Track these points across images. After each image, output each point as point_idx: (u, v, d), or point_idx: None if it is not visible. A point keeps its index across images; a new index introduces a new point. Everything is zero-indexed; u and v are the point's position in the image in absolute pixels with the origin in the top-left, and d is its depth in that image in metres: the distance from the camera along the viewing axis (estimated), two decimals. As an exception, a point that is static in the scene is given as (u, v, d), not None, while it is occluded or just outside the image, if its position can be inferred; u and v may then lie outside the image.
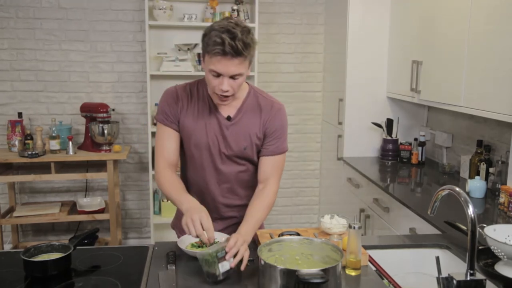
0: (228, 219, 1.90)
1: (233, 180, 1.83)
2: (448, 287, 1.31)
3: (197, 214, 1.53)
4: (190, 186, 1.87)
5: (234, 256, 1.46)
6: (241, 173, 1.84)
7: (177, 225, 1.97)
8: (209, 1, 3.79)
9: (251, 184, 1.85)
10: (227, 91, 1.61)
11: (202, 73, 3.78)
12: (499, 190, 2.37)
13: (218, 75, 1.59)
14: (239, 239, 1.50)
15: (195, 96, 1.78)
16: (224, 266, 1.42)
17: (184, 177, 1.90)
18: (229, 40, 1.52)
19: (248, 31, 1.58)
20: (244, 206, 1.79)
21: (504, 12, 2.20)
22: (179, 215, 1.99)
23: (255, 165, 1.84)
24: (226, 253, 1.43)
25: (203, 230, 1.51)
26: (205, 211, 1.57)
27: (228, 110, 1.76)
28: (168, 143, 1.77)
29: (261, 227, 1.98)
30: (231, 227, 1.88)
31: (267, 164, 1.80)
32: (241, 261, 1.47)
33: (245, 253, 1.48)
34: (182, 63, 3.77)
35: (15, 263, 1.57)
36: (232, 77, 1.59)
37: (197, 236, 1.51)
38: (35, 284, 1.47)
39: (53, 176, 3.48)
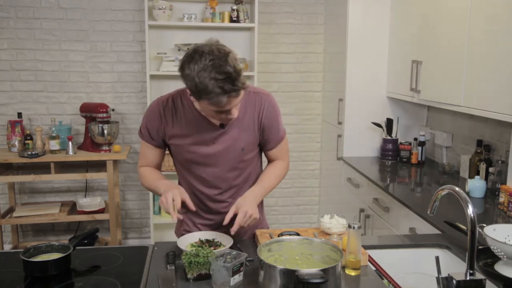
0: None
1: (235, 184, 1.82)
2: (448, 287, 1.31)
3: (170, 192, 1.63)
4: (194, 198, 1.82)
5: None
6: (240, 177, 1.82)
7: (181, 232, 1.95)
8: (209, 1, 3.79)
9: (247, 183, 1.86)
10: (233, 118, 1.62)
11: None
12: (499, 190, 2.37)
13: (226, 110, 1.57)
14: (247, 213, 1.63)
15: (180, 109, 1.73)
16: (235, 279, 1.41)
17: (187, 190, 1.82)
18: (231, 86, 1.47)
19: (233, 58, 1.50)
20: None
21: (504, 12, 2.20)
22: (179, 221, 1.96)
23: (254, 160, 1.85)
24: (240, 265, 1.42)
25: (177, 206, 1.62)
26: (177, 187, 1.69)
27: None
28: (150, 154, 1.84)
29: (263, 226, 1.99)
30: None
31: (275, 153, 1.87)
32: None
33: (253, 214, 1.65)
34: (182, 63, 3.76)
35: (15, 263, 1.57)
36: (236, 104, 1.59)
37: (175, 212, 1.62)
38: (35, 284, 1.47)
39: (53, 176, 3.48)
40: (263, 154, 1.92)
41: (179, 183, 1.89)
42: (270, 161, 1.90)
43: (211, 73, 1.45)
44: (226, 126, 1.73)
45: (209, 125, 1.72)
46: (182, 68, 1.53)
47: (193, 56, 1.50)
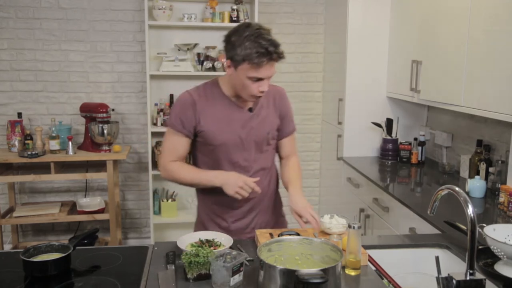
0: (253, 211, 1.97)
1: (258, 167, 1.92)
2: (448, 287, 1.31)
3: (240, 180, 1.74)
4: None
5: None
6: (263, 160, 1.94)
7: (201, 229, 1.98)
8: (209, 1, 3.79)
9: (269, 166, 1.99)
10: (263, 92, 1.74)
11: (201, 73, 3.80)
12: (499, 190, 2.37)
13: (259, 79, 1.70)
14: (310, 210, 1.77)
15: (211, 98, 1.84)
16: (235, 279, 1.41)
17: None
18: (274, 49, 1.65)
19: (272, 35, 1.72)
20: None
21: (504, 12, 2.20)
22: (202, 218, 2.00)
23: (274, 147, 1.99)
24: (240, 266, 1.42)
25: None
26: (237, 174, 1.78)
27: (246, 103, 1.86)
28: (179, 145, 1.85)
29: (284, 225, 2.09)
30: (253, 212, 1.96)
31: (286, 144, 2.02)
32: None
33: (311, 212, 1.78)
34: (181, 63, 3.76)
35: (15, 263, 1.57)
36: (269, 77, 1.75)
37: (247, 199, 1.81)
38: (34, 284, 1.47)
39: (53, 176, 3.48)
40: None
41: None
42: (282, 153, 2.03)
43: (257, 38, 1.65)
44: (254, 110, 1.87)
45: (239, 108, 1.86)
46: (228, 38, 1.72)
47: (238, 29, 1.70)
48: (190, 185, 1.90)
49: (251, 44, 1.64)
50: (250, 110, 1.87)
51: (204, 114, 1.82)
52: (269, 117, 1.92)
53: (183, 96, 1.85)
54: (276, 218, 2.06)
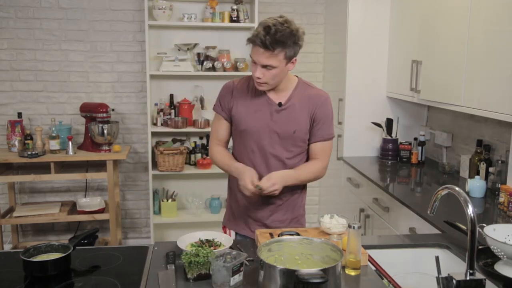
0: (271, 205, 1.99)
1: (281, 166, 1.94)
2: (448, 287, 1.31)
3: (242, 182, 1.81)
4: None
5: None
6: (289, 160, 1.96)
7: (229, 225, 2.11)
8: (209, 1, 3.79)
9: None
10: (258, 78, 1.82)
11: (201, 73, 3.80)
12: (499, 190, 2.37)
13: (255, 62, 1.81)
14: (274, 186, 1.80)
15: (250, 88, 1.98)
16: (235, 279, 1.42)
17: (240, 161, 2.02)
18: (262, 34, 1.74)
19: (287, 29, 1.75)
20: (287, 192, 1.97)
21: (504, 12, 2.20)
22: (231, 212, 2.10)
23: (303, 152, 1.99)
24: (240, 266, 1.42)
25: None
26: (247, 174, 1.82)
27: (279, 98, 1.94)
28: (220, 128, 2.03)
29: (302, 223, 2.08)
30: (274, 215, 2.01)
31: (316, 148, 1.99)
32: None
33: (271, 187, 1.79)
34: (181, 63, 3.76)
35: (15, 263, 1.57)
36: (265, 66, 1.79)
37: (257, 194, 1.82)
38: (34, 284, 1.48)
39: (53, 176, 3.48)
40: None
41: (233, 154, 2.06)
42: (311, 157, 2.02)
43: (266, 24, 1.75)
44: (283, 105, 1.93)
45: (269, 100, 1.94)
46: None
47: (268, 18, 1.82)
48: (224, 171, 2.03)
49: (258, 26, 1.78)
50: (280, 104, 1.93)
51: (237, 100, 1.96)
52: (298, 116, 1.94)
53: (227, 83, 2.03)
54: (292, 224, 2.04)
